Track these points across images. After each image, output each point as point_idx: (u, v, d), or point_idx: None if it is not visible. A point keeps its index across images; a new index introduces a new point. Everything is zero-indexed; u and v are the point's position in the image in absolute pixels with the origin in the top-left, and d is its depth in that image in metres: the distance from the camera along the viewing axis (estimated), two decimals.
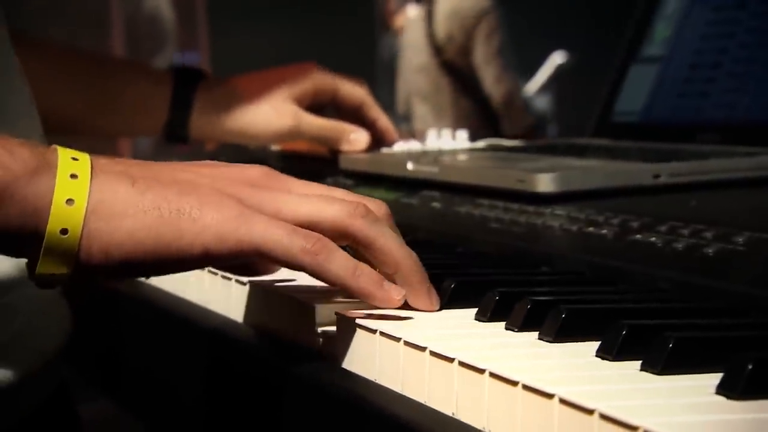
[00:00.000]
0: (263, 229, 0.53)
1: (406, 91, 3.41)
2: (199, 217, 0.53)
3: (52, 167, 0.53)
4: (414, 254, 0.57)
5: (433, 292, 0.57)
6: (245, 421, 0.61)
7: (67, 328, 0.76)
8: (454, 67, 3.20)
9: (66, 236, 0.52)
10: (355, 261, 0.55)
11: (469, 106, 3.21)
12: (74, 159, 0.54)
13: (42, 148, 0.54)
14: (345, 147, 1.04)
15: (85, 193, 0.53)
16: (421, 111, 3.26)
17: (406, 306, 0.56)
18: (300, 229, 0.54)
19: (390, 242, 0.56)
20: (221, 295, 0.68)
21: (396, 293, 0.54)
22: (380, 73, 4.79)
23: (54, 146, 0.55)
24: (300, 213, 0.56)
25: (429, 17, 3.22)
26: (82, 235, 0.52)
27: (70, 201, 0.52)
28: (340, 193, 0.59)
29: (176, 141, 1.04)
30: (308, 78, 1.04)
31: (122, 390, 0.85)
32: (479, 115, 3.15)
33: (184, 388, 0.70)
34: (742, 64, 0.95)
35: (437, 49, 3.20)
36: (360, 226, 0.56)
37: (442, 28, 3.20)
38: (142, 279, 0.78)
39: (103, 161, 0.55)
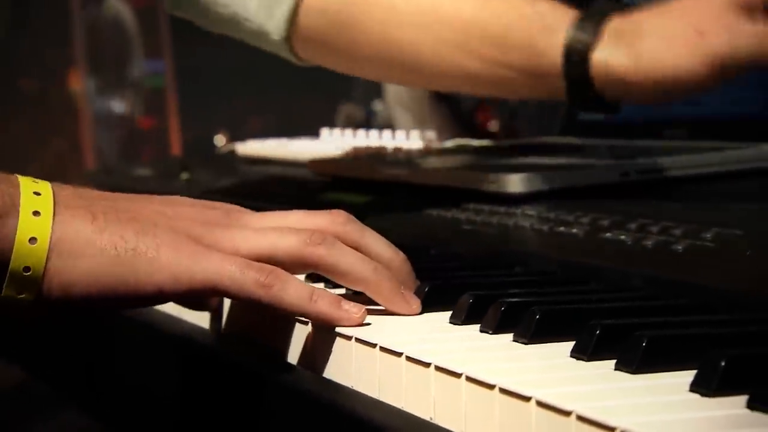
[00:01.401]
0: (217, 266, 0.54)
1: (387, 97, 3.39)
2: (155, 257, 0.54)
3: (15, 206, 0.53)
4: (377, 268, 0.57)
5: (410, 296, 0.57)
6: (222, 428, 0.61)
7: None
8: None
9: (29, 273, 0.53)
10: (311, 287, 0.55)
11: (450, 117, 3.19)
12: (36, 194, 0.54)
13: (4, 184, 0.54)
14: None
15: (48, 232, 0.53)
16: (401, 120, 3.25)
17: (381, 311, 0.56)
18: (253, 263, 0.55)
19: (351, 262, 0.56)
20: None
21: (356, 311, 0.55)
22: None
23: (15, 178, 0.55)
24: (256, 248, 0.56)
25: None
26: (44, 273, 0.53)
27: (32, 240, 0.53)
28: (297, 217, 0.59)
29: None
30: None
31: (96, 402, 0.84)
32: (458, 122, 3.14)
33: (159, 399, 0.70)
34: None
35: None
36: (317, 253, 0.56)
37: None
38: None
39: (65, 194, 0.56)
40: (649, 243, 0.61)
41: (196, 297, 0.57)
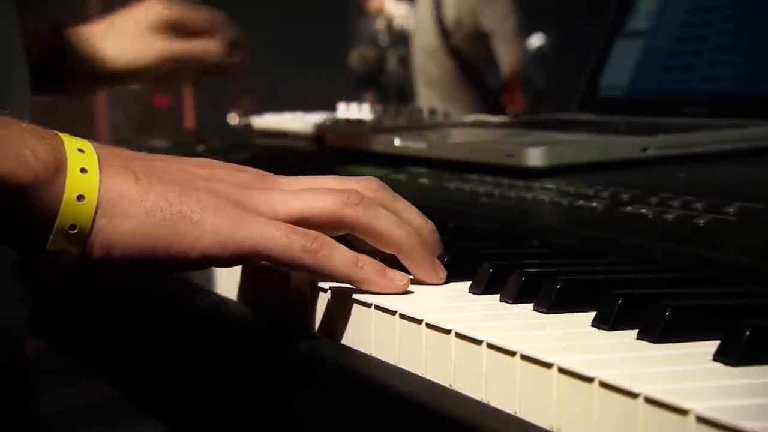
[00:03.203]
0: (262, 231, 0.54)
1: (415, 71, 3.37)
2: (200, 220, 0.53)
3: (64, 162, 0.52)
4: (412, 230, 0.57)
5: (439, 264, 0.57)
6: (243, 399, 0.61)
7: (25, 310, 0.76)
8: (462, 55, 3.17)
9: (74, 232, 0.52)
10: (356, 253, 0.55)
11: (475, 96, 3.18)
12: (80, 150, 0.53)
13: (52, 141, 0.53)
14: (212, 58, 1.08)
15: (95, 189, 0.52)
16: (426, 96, 3.23)
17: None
18: (298, 228, 0.54)
19: (387, 224, 0.56)
20: (214, 273, 0.68)
21: (400, 279, 0.55)
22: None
23: (58, 135, 0.54)
24: (294, 209, 0.56)
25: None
26: (89, 231, 0.52)
27: (80, 197, 0.52)
28: (330, 181, 0.59)
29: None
30: (154, 9, 1.08)
31: (117, 373, 0.84)
32: (484, 104, 3.12)
33: (180, 369, 0.70)
34: (728, 36, 0.96)
35: (445, 33, 3.16)
36: (354, 214, 0.56)
37: (450, 12, 3.17)
38: None
39: (105, 152, 0.55)
40: (670, 217, 0.61)
41: (239, 262, 0.56)
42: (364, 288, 0.55)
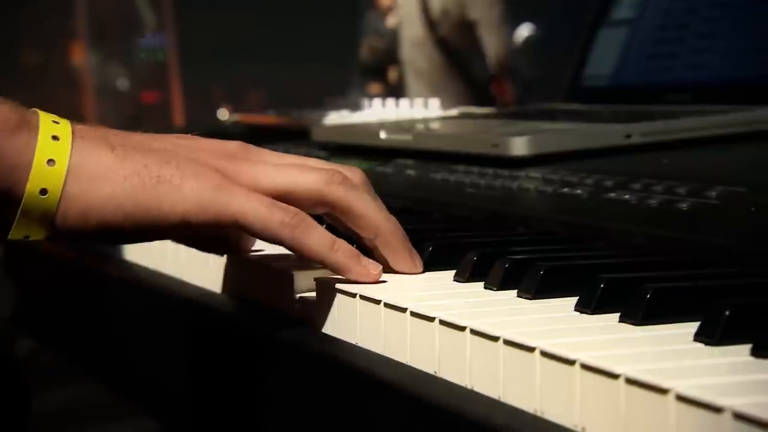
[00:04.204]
0: (243, 200, 0.54)
1: (404, 63, 3.37)
2: (180, 185, 0.53)
3: (34, 127, 0.53)
4: (394, 218, 0.57)
5: (416, 254, 0.57)
6: (229, 389, 0.61)
7: (9, 303, 0.76)
8: (449, 45, 3.17)
9: (45, 197, 0.52)
10: (333, 236, 0.55)
11: (464, 87, 3.18)
12: (55, 122, 0.54)
13: (23, 109, 0.54)
14: None
15: (67, 155, 0.53)
16: (415, 87, 3.23)
17: (385, 270, 0.56)
18: (279, 203, 0.54)
19: (368, 207, 0.56)
20: (198, 267, 0.68)
21: (373, 268, 0.55)
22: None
23: (34, 109, 0.55)
24: (277, 183, 0.56)
25: None
26: (60, 197, 0.52)
27: (51, 161, 0.52)
28: (315, 161, 0.59)
29: None
30: None
31: (104, 368, 0.85)
32: (472, 94, 3.13)
33: (166, 360, 0.70)
34: (710, 23, 0.96)
35: (432, 24, 3.16)
36: (337, 192, 0.56)
37: (436, 2, 3.17)
38: (122, 254, 0.78)
39: (81, 127, 0.55)
40: (653, 202, 0.61)
41: (217, 230, 0.56)
42: (337, 272, 0.55)
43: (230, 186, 0.54)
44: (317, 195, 0.56)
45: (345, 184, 0.56)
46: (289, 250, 0.55)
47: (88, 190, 0.52)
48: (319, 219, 0.56)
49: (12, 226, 0.53)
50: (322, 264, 0.55)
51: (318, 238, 0.54)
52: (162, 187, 0.53)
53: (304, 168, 0.57)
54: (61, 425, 1.76)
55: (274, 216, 0.53)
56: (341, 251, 0.54)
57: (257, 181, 0.55)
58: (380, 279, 0.55)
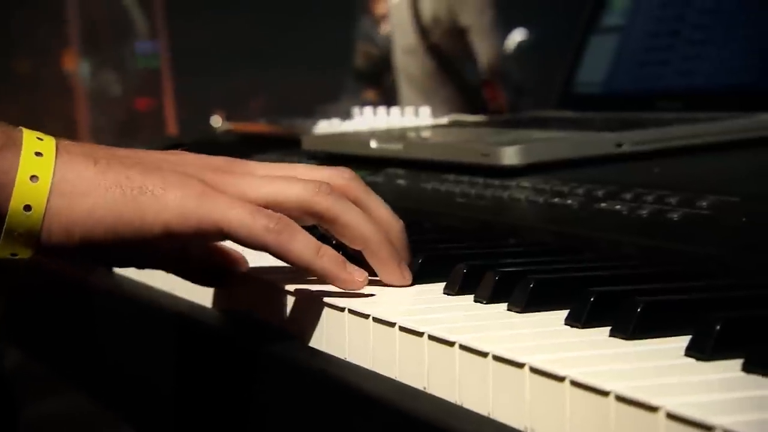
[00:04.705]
0: (226, 207, 0.53)
1: (397, 69, 3.38)
2: (162, 195, 0.53)
3: (17, 144, 0.53)
4: (379, 230, 0.57)
5: (405, 266, 0.57)
6: (216, 402, 0.61)
7: None
8: (441, 52, 3.17)
9: (29, 213, 0.52)
10: (318, 242, 0.54)
11: (457, 94, 3.18)
12: (39, 139, 0.54)
13: (6, 126, 0.54)
14: None
15: (50, 171, 0.52)
16: (408, 94, 3.23)
17: (374, 282, 0.56)
18: (262, 209, 0.54)
19: (355, 217, 0.56)
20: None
21: (359, 275, 0.54)
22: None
23: (19, 127, 0.55)
24: (263, 193, 0.55)
25: None
26: (45, 212, 0.52)
27: (34, 177, 0.52)
28: (302, 169, 0.59)
29: None
30: None
31: (92, 380, 0.84)
32: (464, 101, 3.12)
33: (154, 374, 0.70)
34: (701, 30, 0.96)
35: (423, 31, 3.16)
36: (324, 203, 0.55)
37: (427, 10, 3.17)
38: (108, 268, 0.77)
39: (66, 143, 0.55)
40: (644, 212, 0.60)
41: (202, 239, 0.55)
42: (322, 278, 0.54)
43: (213, 194, 0.54)
44: (304, 205, 0.56)
45: (332, 195, 0.56)
46: (274, 256, 0.54)
47: (71, 204, 0.52)
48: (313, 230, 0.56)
49: None
50: (307, 270, 0.54)
51: (303, 244, 0.54)
52: (144, 198, 0.53)
53: (291, 179, 0.57)
54: None
55: (258, 222, 0.53)
56: (326, 257, 0.54)
57: (244, 193, 0.55)
58: (369, 291, 0.54)
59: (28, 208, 0.52)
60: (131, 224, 0.53)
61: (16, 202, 0.52)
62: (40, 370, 1.04)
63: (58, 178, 0.52)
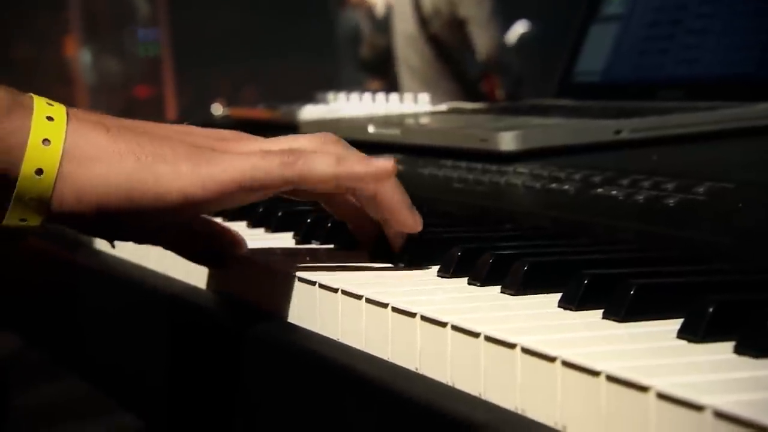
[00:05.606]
0: (237, 162, 0.53)
1: (398, 59, 3.37)
2: (175, 163, 0.52)
3: (28, 108, 0.52)
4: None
5: (415, 210, 0.56)
6: (209, 384, 0.61)
7: None
8: (441, 42, 3.17)
9: (40, 177, 0.51)
10: (334, 153, 0.54)
11: (456, 83, 3.17)
12: (49, 104, 0.53)
13: (16, 91, 0.53)
14: None
15: (62, 135, 0.52)
16: (408, 83, 3.22)
17: (367, 265, 0.56)
18: (269, 149, 0.54)
19: (363, 164, 0.55)
20: (183, 261, 0.67)
21: (384, 161, 0.54)
22: (342, 50, 4.75)
23: (29, 94, 0.54)
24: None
25: None
26: (56, 177, 0.51)
27: (46, 141, 0.51)
28: (305, 141, 0.58)
29: None
30: None
31: (85, 362, 0.84)
32: (464, 91, 3.12)
33: (148, 356, 0.70)
34: (701, 19, 0.95)
35: (423, 21, 3.16)
36: (346, 168, 0.54)
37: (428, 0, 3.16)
38: (105, 246, 0.77)
39: (76, 110, 0.54)
40: (640, 198, 0.60)
41: (220, 203, 0.54)
42: (353, 181, 0.54)
43: (222, 155, 0.53)
44: (330, 177, 0.54)
45: (348, 160, 0.54)
46: (301, 187, 0.54)
47: (84, 169, 0.52)
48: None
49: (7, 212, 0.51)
50: (337, 180, 0.54)
51: (322, 161, 0.53)
52: (158, 165, 0.52)
53: (302, 153, 0.55)
54: (42, 421, 1.76)
55: (273, 161, 0.53)
56: (348, 160, 0.54)
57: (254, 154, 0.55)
58: (362, 273, 0.54)
59: (39, 171, 0.51)
60: (147, 192, 0.52)
61: (27, 166, 0.51)
62: (33, 355, 1.04)
63: (70, 143, 0.52)
